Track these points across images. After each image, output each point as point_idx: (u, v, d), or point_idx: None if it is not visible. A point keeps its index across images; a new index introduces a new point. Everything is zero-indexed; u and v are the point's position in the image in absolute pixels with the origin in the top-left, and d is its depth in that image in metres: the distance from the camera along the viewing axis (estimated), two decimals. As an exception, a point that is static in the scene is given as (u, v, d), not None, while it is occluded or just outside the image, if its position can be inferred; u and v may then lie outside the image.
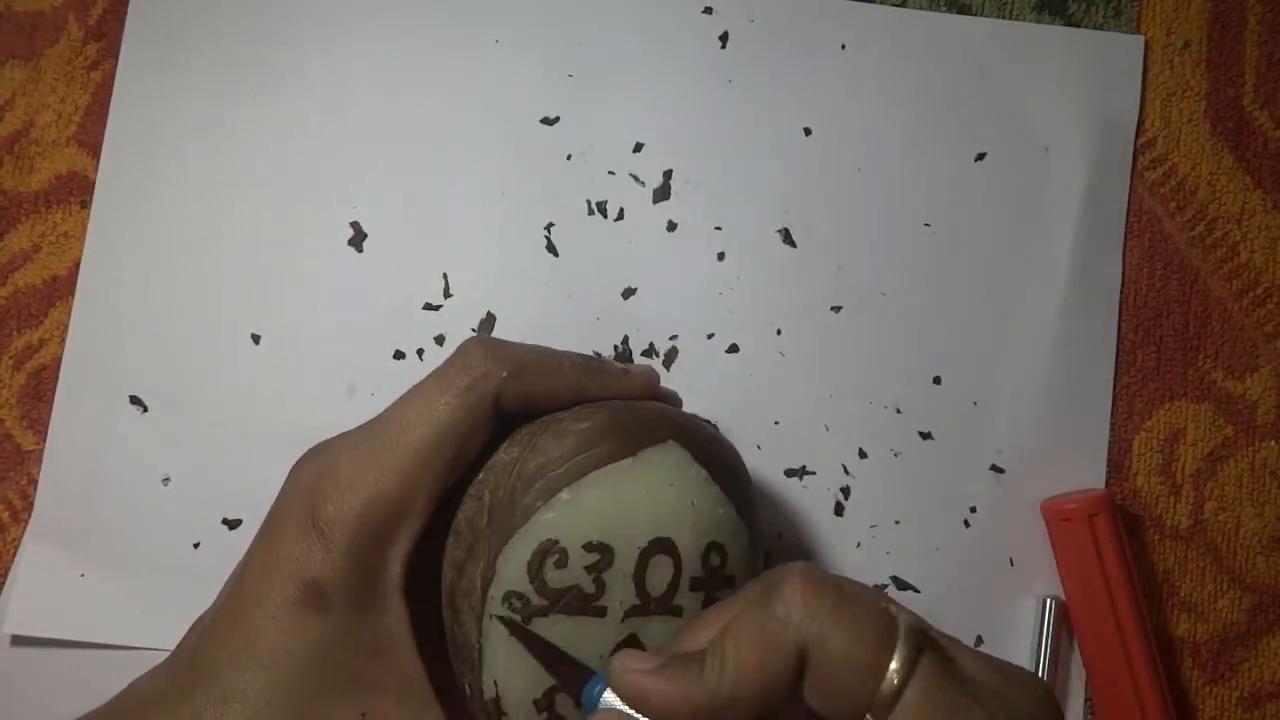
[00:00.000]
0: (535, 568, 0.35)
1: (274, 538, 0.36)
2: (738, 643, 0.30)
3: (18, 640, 0.50)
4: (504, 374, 0.37)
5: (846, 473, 0.52)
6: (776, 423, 0.52)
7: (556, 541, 0.35)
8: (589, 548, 0.35)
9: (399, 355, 0.52)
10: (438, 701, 0.36)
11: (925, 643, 0.29)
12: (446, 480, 0.37)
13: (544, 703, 0.36)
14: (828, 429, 0.52)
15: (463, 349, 0.38)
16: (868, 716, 0.29)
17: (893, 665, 0.28)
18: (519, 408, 0.38)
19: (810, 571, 0.31)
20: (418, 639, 0.37)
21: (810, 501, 0.52)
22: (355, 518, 0.35)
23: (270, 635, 0.35)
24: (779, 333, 0.53)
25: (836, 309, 0.53)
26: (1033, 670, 0.50)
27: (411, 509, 0.36)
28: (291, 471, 0.38)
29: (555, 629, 0.35)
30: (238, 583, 0.37)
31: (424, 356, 0.52)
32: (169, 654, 0.37)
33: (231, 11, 0.55)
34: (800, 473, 0.52)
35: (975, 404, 0.52)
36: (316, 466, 0.37)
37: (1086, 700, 0.50)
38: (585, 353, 0.41)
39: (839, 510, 0.52)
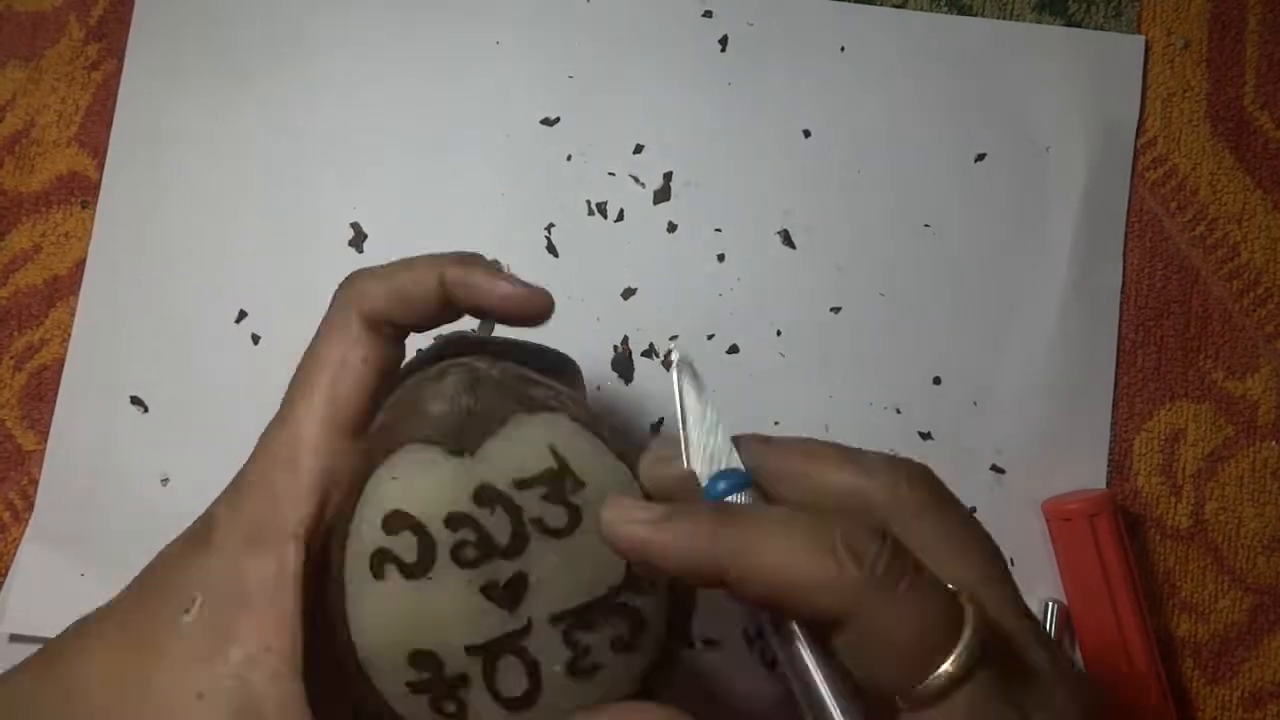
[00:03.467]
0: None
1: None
2: (789, 539, 0.28)
3: (16, 639, 0.50)
4: (364, 308, 0.36)
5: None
6: (776, 423, 0.52)
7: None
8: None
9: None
10: (300, 680, 0.32)
11: (988, 653, 0.27)
12: (361, 415, 0.36)
13: (422, 661, 0.33)
14: (827, 429, 0.52)
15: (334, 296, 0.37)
16: (898, 698, 0.27)
17: (946, 666, 0.26)
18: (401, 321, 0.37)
19: (926, 504, 0.30)
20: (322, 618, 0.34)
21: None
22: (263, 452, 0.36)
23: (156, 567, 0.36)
24: (779, 334, 0.53)
25: (836, 310, 0.53)
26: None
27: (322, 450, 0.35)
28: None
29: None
30: None
31: (424, 357, 0.52)
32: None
33: (234, 14, 0.55)
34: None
35: (975, 404, 0.52)
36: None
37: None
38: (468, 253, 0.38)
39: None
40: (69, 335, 0.53)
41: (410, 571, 0.33)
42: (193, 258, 0.53)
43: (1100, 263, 0.53)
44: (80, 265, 0.53)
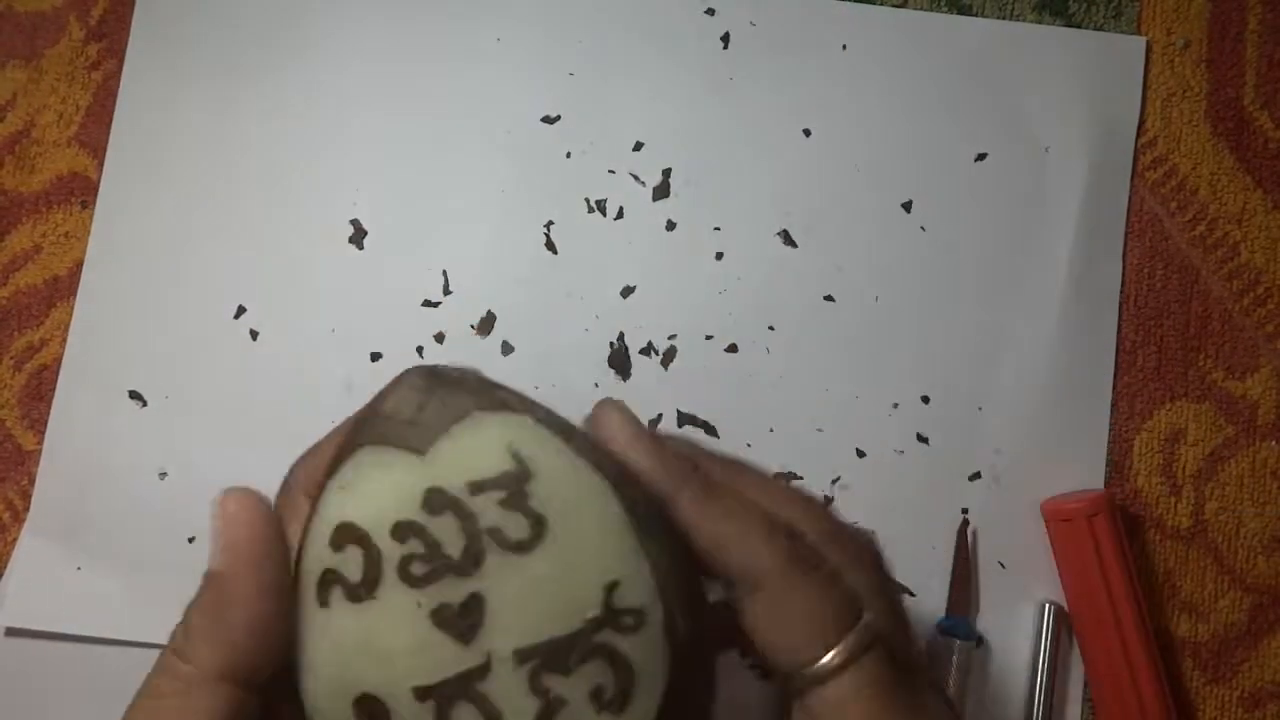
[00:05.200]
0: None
1: None
2: (727, 511, 0.31)
3: (12, 632, 0.50)
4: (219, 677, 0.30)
5: (838, 477, 0.52)
6: (773, 427, 0.52)
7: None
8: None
9: (399, 353, 0.52)
10: None
11: (878, 644, 0.30)
12: None
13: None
14: (826, 429, 0.52)
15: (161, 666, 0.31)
16: (795, 677, 0.30)
17: (840, 647, 0.30)
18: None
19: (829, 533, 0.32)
20: None
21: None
22: None
23: None
24: (778, 333, 0.52)
25: (835, 309, 0.53)
26: (1032, 674, 0.50)
27: None
28: None
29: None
30: None
31: (423, 354, 0.52)
32: None
33: (234, 13, 0.55)
34: (788, 476, 0.52)
35: (974, 404, 0.52)
36: None
37: (1086, 700, 0.50)
38: None
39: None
40: (68, 335, 0.53)
41: (355, 593, 0.29)
42: (192, 254, 0.53)
43: (1100, 263, 0.53)
44: (80, 265, 0.53)
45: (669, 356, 0.52)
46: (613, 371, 0.52)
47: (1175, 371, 0.53)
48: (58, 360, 0.53)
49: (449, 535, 0.29)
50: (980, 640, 0.51)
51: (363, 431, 0.30)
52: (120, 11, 0.55)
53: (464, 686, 0.28)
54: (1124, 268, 0.53)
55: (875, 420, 0.52)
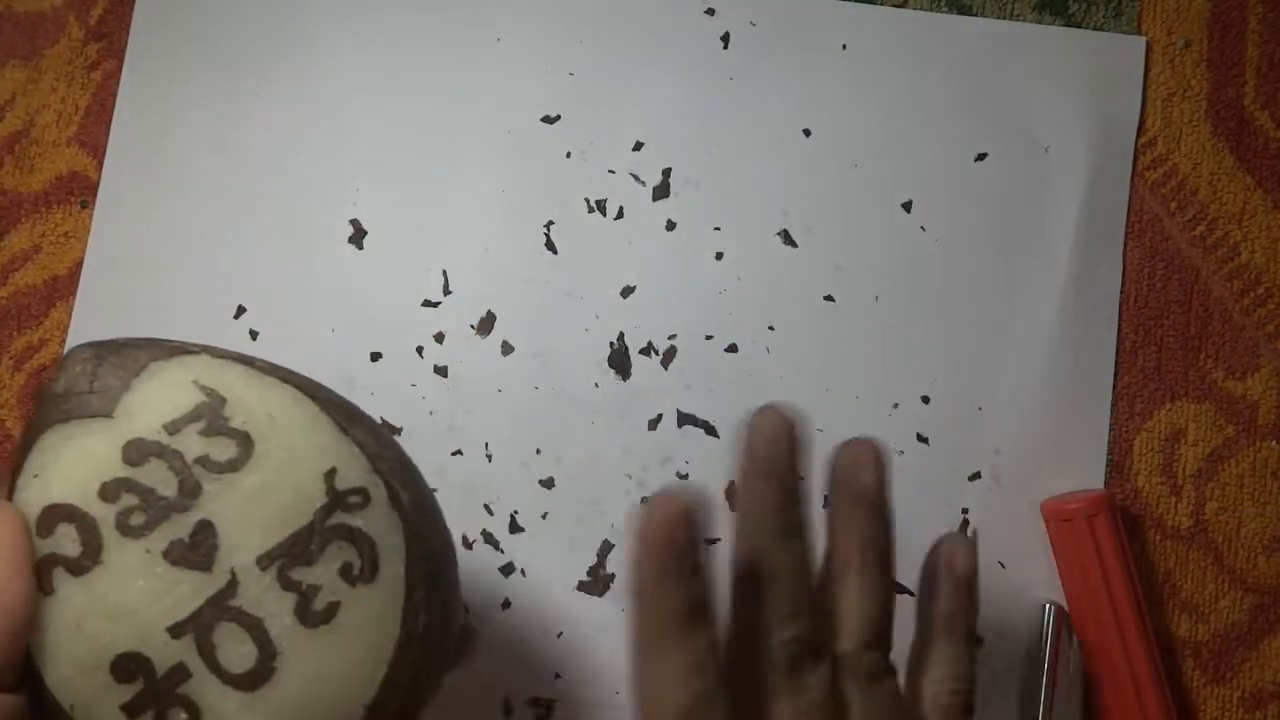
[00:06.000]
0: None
1: None
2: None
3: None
4: None
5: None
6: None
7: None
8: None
9: (398, 353, 0.52)
10: None
11: None
12: None
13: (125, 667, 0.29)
14: (826, 429, 0.52)
15: None
16: None
17: None
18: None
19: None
20: None
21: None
22: None
23: None
24: (778, 333, 0.52)
25: (835, 309, 0.53)
26: (1032, 674, 0.50)
27: None
28: None
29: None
30: None
31: (423, 354, 0.52)
32: None
33: (234, 13, 0.55)
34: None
35: (974, 404, 0.52)
36: None
37: (1087, 700, 0.50)
38: None
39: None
40: (68, 335, 0.53)
41: (78, 565, 0.29)
42: (192, 254, 0.53)
43: (1100, 263, 0.53)
44: (80, 265, 0.53)
45: (669, 356, 0.52)
46: (613, 371, 0.52)
47: (1175, 371, 0.53)
48: (57, 360, 0.53)
49: (159, 478, 0.29)
50: (980, 640, 0.51)
51: (42, 418, 0.30)
52: (120, 11, 0.55)
53: (217, 609, 0.29)
54: (1124, 268, 0.53)
55: (875, 420, 0.52)
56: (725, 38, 0.54)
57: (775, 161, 0.54)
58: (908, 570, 0.51)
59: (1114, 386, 0.52)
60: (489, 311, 0.52)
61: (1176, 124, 0.54)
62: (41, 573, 0.29)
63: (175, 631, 0.28)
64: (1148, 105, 0.54)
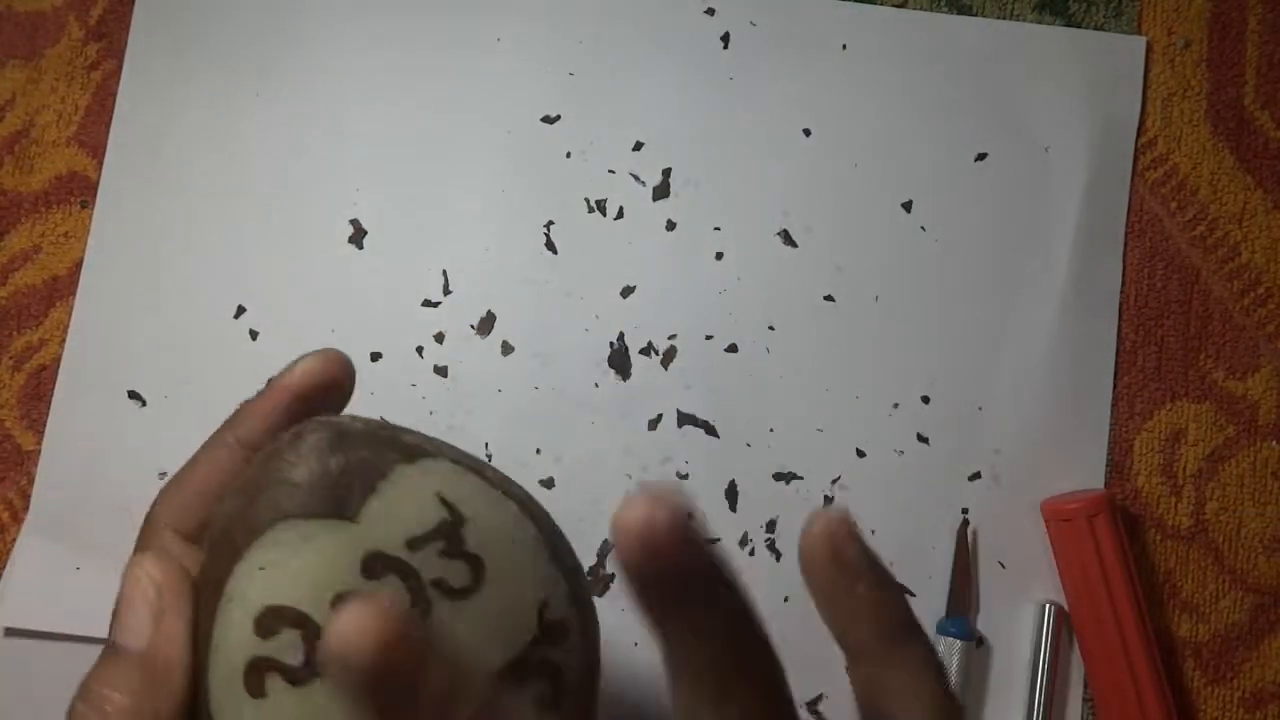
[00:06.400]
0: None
1: None
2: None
3: (11, 632, 0.50)
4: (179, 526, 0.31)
5: (838, 477, 0.52)
6: (773, 427, 0.52)
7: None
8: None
9: (398, 353, 0.52)
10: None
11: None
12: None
13: None
14: (826, 429, 0.52)
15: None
16: None
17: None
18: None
19: None
20: None
21: (803, 503, 0.52)
22: None
23: None
24: (778, 333, 0.52)
25: (835, 310, 0.53)
26: (1032, 674, 0.50)
27: None
28: None
29: None
30: None
31: (423, 354, 0.52)
32: None
33: (234, 13, 0.55)
34: (788, 477, 0.52)
35: (974, 404, 0.52)
36: None
37: (1086, 700, 0.50)
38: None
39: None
40: (68, 335, 0.53)
41: (298, 676, 0.27)
42: (192, 254, 0.53)
43: (1100, 263, 0.53)
44: (80, 265, 0.53)
45: (669, 356, 0.52)
46: (613, 371, 0.52)
47: (1175, 371, 0.53)
48: (57, 360, 0.53)
49: (395, 597, 0.28)
50: (980, 640, 0.51)
51: (271, 504, 0.28)
52: (120, 11, 0.55)
53: None
54: (1124, 268, 0.53)
55: (875, 420, 0.52)
56: (725, 38, 0.54)
57: (775, 161, 0.54)
58: (908, 570, 0.51)
59: (1114, 386, 0.52)
60: (489, 311, 0.52)
61: (1176, 124, 0.54)
62: (255, 674, 0.27)
63: None
64: (1148, 105, 0.54)
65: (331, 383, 0.33)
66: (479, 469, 0.30)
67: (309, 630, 0.27)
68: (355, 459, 0.29)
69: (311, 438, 0.29)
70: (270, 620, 0.27)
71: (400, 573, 0.28)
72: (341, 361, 0.34)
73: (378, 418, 0.31)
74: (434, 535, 0.28)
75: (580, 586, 0.32)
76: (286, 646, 0.27)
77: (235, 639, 0.28)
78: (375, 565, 0.28)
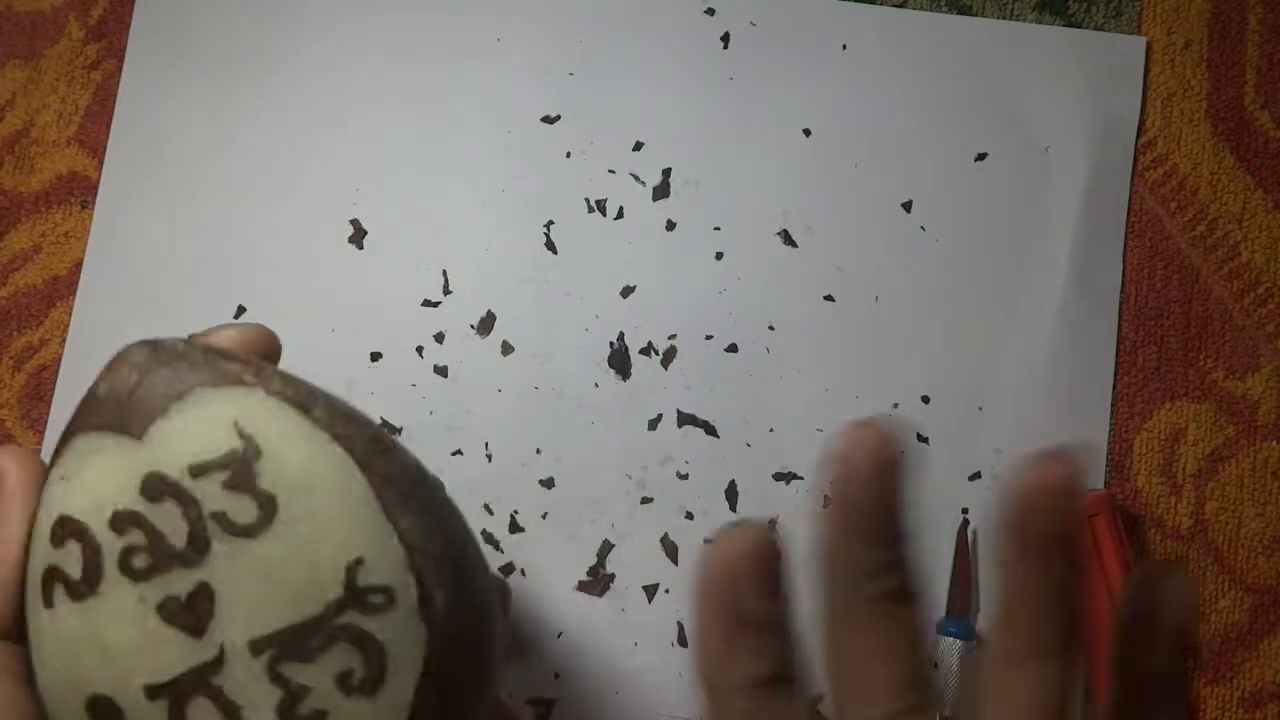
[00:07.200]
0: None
1: None
2: None
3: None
4: None
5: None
6: (773, 427, 0.52)
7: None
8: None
9: (398, 353, 0.52)
10: None
11: None
12: None
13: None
14: (826, 429, 0.52)
15: None
16: None
17: None
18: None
19: None
20: None
21: (803, 503, 0.52)
22: None
23: None
24: (778, 333, 0.52)
25: (835, 310, 0.53)
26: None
27: None
28: None
29: None
30: None
31: (423, 354, 0.52)
32: None
33: (234, 13, 0.55)
34: (788, 477, 0.52)
35: (974, 404, 0.52)
36: None
37: (1087, 701, 0.50)
38: None
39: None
40: (68, 335, 0.53)
41: (77, 590, 0.27)
42: (192, 254, 0.53)
43: (1100, 263, 0.53)
44: (80, 265, 0.53)
45: (669, 356, 0.52)
46: (613, 371, 0.52)
47: (1175, 371, 0.53)
48: (57, 360, 0.53)
49: (172, 524, 0.27)
50: (980, 640, 0.50)
51: (80, 416, 0.29)
52: (120, 11, 0.55)
53: (198, 682, 0.26)
54: (1124, 268, 0.53)
55: (875, 420, 0.52)
56: (725, 38, 0.54)
57: (775, 161, 0.54)
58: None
59: (1114, 386, 0.52)
60: (489, 311, 0.52)
61: (1176, 124, 0.54)
62: (45, 582, 0.27)
63: (151, 693, 0.26)
64: (1148, 105, 0.54)
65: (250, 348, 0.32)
66: (306, 405, 0.29)
67: (88, 544, 0.27)
68: (154, 378, 0.28)
69: (128, 353, 0.29)
70: (60, 530, 0.27)
71: (178, 498, 0.27)
72: (265, 335, 0.34)
73: (305, 380, 0.30)
74: (220, 464, 0.27)
75: (430, 554, 0.29)
76: (70, 558, 0.27)
77: (37, 545, 0.28)
78: (152, 487, 0.27)
